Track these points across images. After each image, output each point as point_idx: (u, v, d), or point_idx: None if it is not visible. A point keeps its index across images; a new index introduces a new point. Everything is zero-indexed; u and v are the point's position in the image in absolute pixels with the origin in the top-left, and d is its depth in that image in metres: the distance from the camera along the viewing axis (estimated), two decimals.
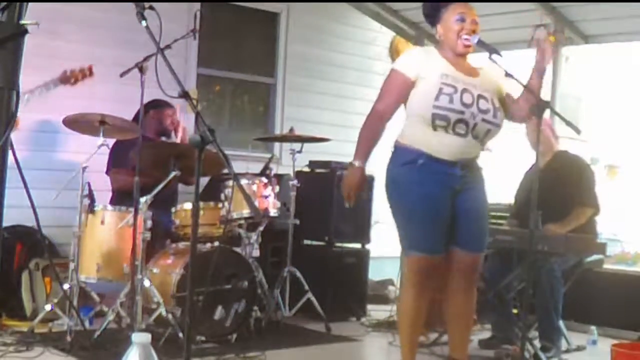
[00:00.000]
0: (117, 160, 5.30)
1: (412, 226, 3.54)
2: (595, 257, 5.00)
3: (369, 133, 3.56)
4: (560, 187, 4.84)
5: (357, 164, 3.53)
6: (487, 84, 3.64)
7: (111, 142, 5.11)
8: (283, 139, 6.04)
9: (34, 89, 4.20)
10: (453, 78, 3.52)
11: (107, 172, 5.35)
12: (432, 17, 3.70)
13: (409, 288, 3.62)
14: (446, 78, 3.50)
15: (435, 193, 3.51)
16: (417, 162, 3.49)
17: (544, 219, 4.44)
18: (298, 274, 5.39)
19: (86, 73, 4.53)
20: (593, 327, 5.33)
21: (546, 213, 4.32)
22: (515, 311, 5.02)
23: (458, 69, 3.58)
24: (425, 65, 3.55)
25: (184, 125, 5.66)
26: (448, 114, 3.45)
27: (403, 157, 3.55)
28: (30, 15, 2.28)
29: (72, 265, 4.49)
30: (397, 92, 3.57)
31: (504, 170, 6.64)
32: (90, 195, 4.54)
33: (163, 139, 5.60)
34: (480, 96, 3.54)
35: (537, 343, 4.66)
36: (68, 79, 4.50)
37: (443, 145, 3.49)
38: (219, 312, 4.65)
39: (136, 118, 5.09)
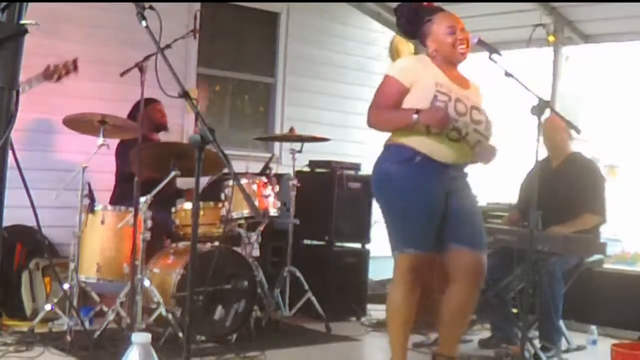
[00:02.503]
0: (124, 158, 5.23)
1: (408, 223, 3.55)
2: (595, 257, 5.00)
3: (388, 113, 3.57)
4: (570, 190, 4.82)
5: (416, 114, 3.45)
6: (477, 97, 3.74)
7: (111, 142, 5.10)
8: (283, 138, 6.04)
9: None
10: (447, 87, 3.59)
11: (124, 168, 5.21)
12: (414, 33, 3.78)
13: (401, 286, 3.61)
14: (440, 87, 3.57)
15: (431, 191, 3.56)
16: (415, 159, 3.54)
17: (550, 220, 4.44)
18: (298, 274, 5.39)
19: (70, 68, 4.26)
20: (593, 327, 5.33)
21: (553, 214, 4.32)
22: (515, 311, 5.02)
23: (451, 78, 3.66)
24: (420, 73, 3.61)
25: None
26: None
27: (399, 155, 3.58)
28: (30, 15, 2.27)
29: (72, 265, 4.49)
30: (392, 98, 3.60)
31: (505, 169, 6.62)
32: (90, 195, 4.55)
33: (161, 134, 5.59)
34: (473, 107, 3.63)
35: (537, 343, 4.66)
36: (51, 74, 4.24)
37: (438, 148, 3.55)
38: (219, 312, 4.65)
39: (130, 116, 5.08)
